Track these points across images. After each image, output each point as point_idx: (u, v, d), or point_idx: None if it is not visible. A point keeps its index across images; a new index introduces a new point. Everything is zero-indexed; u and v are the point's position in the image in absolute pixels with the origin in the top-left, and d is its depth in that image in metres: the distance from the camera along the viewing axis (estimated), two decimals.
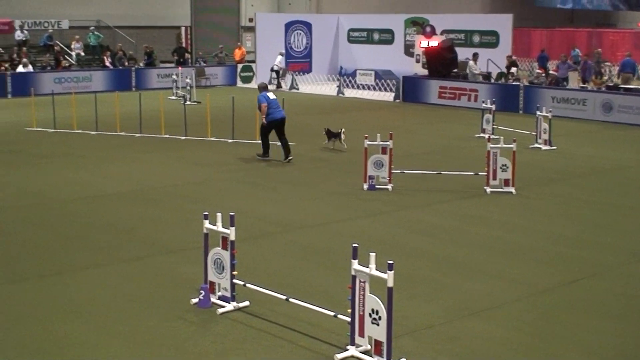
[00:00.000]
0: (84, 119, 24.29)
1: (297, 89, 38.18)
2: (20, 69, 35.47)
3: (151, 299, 9.68)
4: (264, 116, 18.71)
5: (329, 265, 11.06)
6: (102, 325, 8.84)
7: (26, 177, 17.17)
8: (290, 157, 19.03)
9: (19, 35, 39.07)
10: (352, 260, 7.84)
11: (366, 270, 7.69)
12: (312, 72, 41.15)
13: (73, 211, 14.15)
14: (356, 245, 7.91)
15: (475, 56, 32.78)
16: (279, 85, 38.40)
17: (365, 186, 15.86)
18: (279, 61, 38.95)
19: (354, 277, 7.85)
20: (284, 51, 40.25)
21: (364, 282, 7.77)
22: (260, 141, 19.45)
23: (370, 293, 7.75)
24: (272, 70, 38.98)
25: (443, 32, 36.33)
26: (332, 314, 8.44)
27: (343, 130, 21.09)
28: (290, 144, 19.22)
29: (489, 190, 15.65)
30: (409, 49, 39.09)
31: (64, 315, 9.14)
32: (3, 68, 35.61)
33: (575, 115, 27.04)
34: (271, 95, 18.98)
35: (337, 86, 36.84)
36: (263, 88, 19.37)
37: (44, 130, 23.77)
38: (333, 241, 12.29)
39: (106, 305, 9.50)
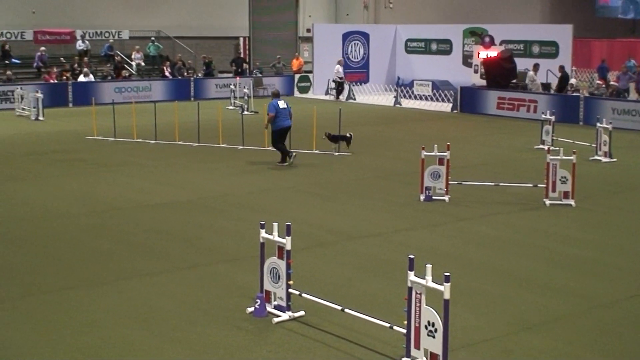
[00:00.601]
0: (143, 128, 24.60)
1: (354, 99, 38.19)
2: (81, 78, 36.04)
3: (208, 307, 9.74)
4: (268, 122, 19.61)
5: (385, 276, 11.02)
6: (160, 332, 8.93)
7: (87, 185, 17.42)
8: (294, 154, 19.84)
9: (80, 45, 39.70)
10: (409, 272, 7.80)
11: (422, 281, 7.65)
12: (369, 83, 41.14)
13: (133, 219, 14.32)
14: (412, 256, 7.87)
15: (536, 67, 32.44)
16: (337, 96, 38.40)
17: (422, 197, 15.78)
18: (337, 70, 38.61)
19: (410, 289, 7.81)
20: (342, 59, 40.09)
21: (420, 293, 7.73)
22: (275, 149, 20.10)
23: (426, 305, 7.70)
24: (333, 81, 38.89)
25: (502, 42, 36.06)
26: (387, 325, 8.40)
27: (350, 134, 21.59)
28: (347, 154, 19.24)
29: (548, 202, 15.47)
30: (467, 59, 38.87)
31: (123, 322, 9.25)
32: (64, 77, 36.22)
33: (636, 127, 26.53)
34: (281, 104, 19.61)
35: (394, 96, 36.77)
36: (275, 95, 20.33)
37: (104, 139, 24.12)
38: (389, 252, 12.25)
39: (165, 312, 9.58)
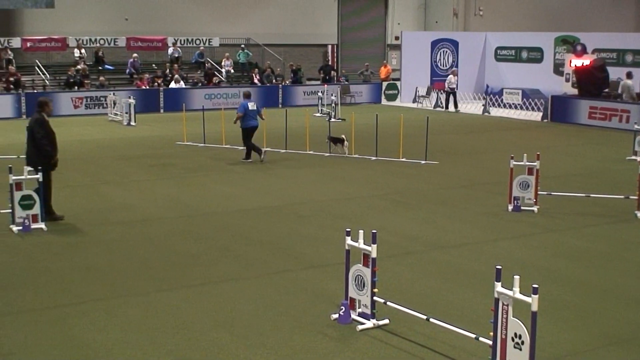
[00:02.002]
0: (232, 134, 24.86)
1: (442, 107, 37.96)
2: (172, 84, 36.71)
3: (293, 313, 9.79)
4: (237, 120, 21.30)
5: (472, 287, 10.91)
6: (246, 336, 9.01)
7: (177, 189, 17.72)
8: (264, 151, 21.62)
9: (171, 52, 40.43)
10: (496, 283, 7.71)
11: (510, 293, 7.55)
12: (458, 91, 40.76)
13: (220, 223, 14.50)
14: (500, 267, 7.78)
15: (629, 75, 31.71)
16: (449, 105, 37.36)
17: (510, 207, 15.59)
18: (449, 80, 37.51)
19: (497, 300, 7.72)
20: (456, 69, 38.92)
21: (507, 305, 7.63)
22: (246, 147, 21.76)
23: (513, 316, 7.60)
24: (445, 91, 37.96)
25: (594, 50, 35.42)
26: (473, 336, 8.33)
27: (344, 136, 22.39)
28: (434, 162, 19.21)
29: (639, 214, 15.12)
30: (558, 68, 38.29)
31: (210, 325, 9.37)
32: (156, 84, 36.92)
33: None
34: (251, 106, 21.35)
35: (483, 105, 36.44)
36: (247, 96, 22.08)
37: (193, 144, 24.50)
38: (476, 262, 12.13)
39: (251, 316, 9.67)
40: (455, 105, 37.13)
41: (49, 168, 14.40)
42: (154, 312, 9.83)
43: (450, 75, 37.68)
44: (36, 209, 13.86)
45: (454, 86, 37.41)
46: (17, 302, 10.17)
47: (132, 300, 10.27)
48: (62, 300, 10.25)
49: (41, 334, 9.05)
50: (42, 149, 14.20)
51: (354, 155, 22.05)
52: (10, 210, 13.88)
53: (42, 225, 13.89)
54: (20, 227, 13.70)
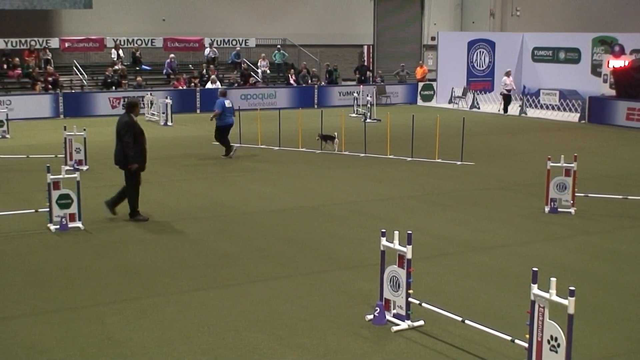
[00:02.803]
0: (268, 134, 24.98)
1: (478, 107, 37.78)
2: (209, 85, 36.86)
3: (327, 313, 9.79)
4: (213, 117, 22.33)
5: (507, 289, 10.84)
6: (280, 336, 9.03)
7: (212, 189, 17.79)
8: (234, 148, 22.40)
9: (208, 52, 40.62)
10: (532, 285, 7.65)
11: (546, 295, 7.49)
12: (494, 91, 40.58)
13: (256, 223, 14.54)
14: (536, 269, 7.72)
15: None
16: (505, 110, 35.89)
17: (547, 209, 15.47)
18: (504, 82, 36.03)
19: (533, 302, 7.66)
20: (509, 70, 37.07)
21: (543, 307, 7.57)
22: (220, 144, 22.62)
23: (549, 319, 7.54)
24: (500, 94, 36.40)
25: (632, 51, 35.06)
26: (509, 338, 8.27)
27: (336, 134, 23.18)
28: (470, 163, 19.08)
29: None
30: (596, 69, 37.94)
31: (245, 324, 9.39)
32: (193, 84, 37.10)
33: None
34: (227, 104, 22.18)
35: (520, 106, 36.18)
36: (223, 94, 22.84)
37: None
38: (512, 264, 12.05)
39: (285, 316, 9.68)
40: (505, 110, 35.94)
41: (126, 171, 14.61)
42: (190, 311, 9.88)
43: (504, 77, 36.21)
44: (73, 208, 13.99)
45: (509, 88, 35.86)
46: (53, 300, 10.28)
47: (168, 299, 10.32)
48: (99, 299, 10.33)
49: (77, 332, 9.13)
50: (126, 153, 14.41)
51: (389, 156, 22.01)
52: (48, 209, 14.02)
53: (79, 224, 14.02)
54: (58, 226, 13.84)
